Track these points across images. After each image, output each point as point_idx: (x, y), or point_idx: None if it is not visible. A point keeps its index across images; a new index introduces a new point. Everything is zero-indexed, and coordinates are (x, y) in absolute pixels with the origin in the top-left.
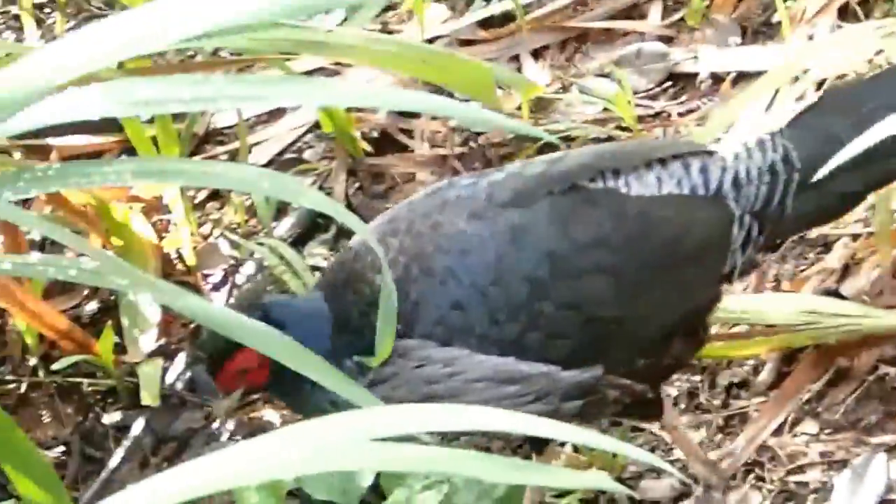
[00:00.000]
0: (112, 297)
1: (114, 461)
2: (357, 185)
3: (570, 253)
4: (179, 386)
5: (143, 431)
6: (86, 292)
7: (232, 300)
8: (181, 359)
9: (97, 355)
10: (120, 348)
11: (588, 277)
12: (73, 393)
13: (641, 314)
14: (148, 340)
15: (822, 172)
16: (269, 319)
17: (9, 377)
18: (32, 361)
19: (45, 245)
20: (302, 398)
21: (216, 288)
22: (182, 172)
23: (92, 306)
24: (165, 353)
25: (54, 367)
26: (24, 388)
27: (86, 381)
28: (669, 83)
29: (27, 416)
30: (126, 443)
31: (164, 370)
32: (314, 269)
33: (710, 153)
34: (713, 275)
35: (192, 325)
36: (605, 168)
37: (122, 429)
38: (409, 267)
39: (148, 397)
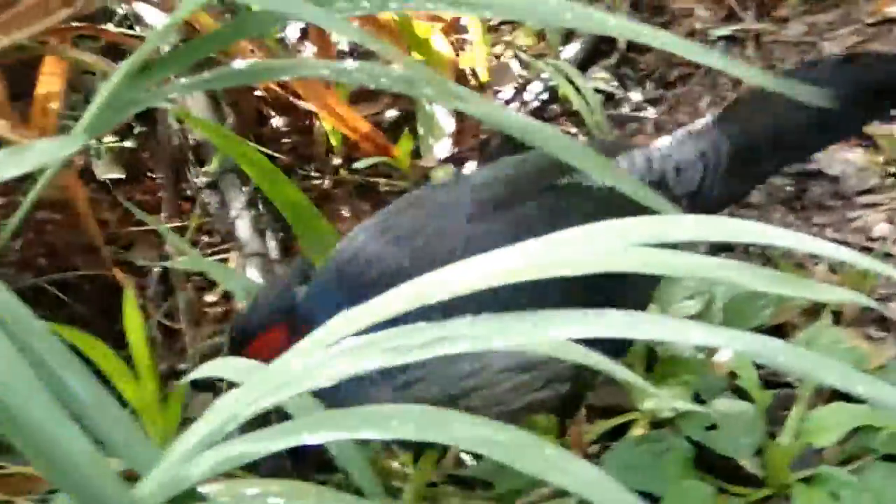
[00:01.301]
0: (410, 107)
1: None
2: (639, 17)
3: None
4: None
5: None
6: (387, 101)
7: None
8: (470, 166)
9: (395, 158)
10: (415, 154)
11: None
12: (371, 191)
13: (623, 294)
14: (441, 148)
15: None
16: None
17: (314, 174)
18: (336, 161)
19: (351, 56)
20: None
21: (506, 104)
22: (489, 5)
23: (392, 113)
24: (456, 160)
25: (356, 166)
26: (327, 184)
27: (382, 181)
28: None
29: (329, 210)
30: None
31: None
32: (596, 90)
33: (649, 146)
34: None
35: (481, 137)
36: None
37: None
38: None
39: None
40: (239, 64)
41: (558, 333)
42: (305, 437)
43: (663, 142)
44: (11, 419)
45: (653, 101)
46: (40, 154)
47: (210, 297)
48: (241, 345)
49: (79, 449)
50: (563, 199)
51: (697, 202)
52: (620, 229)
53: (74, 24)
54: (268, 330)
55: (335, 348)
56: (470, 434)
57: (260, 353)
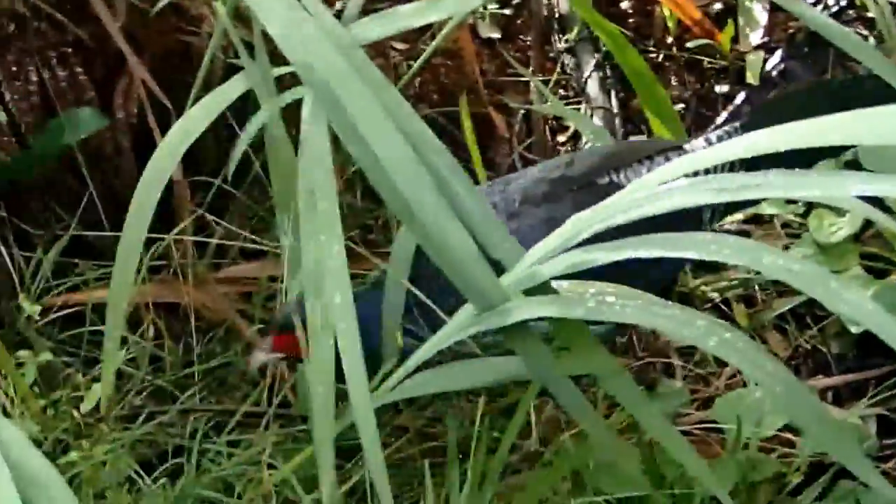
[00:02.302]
0: (733, 2)
1: (718, 120)
2: None
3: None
4: (774, 73)
5: (742, 102)
6: None
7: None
8: (777, 54)
9: (718, 42)
10: (734, 40)
11: None
12: (696, 67)
13: (648, 277)
14: (756, 36)
15: None
16: None
17: (651, 49)
18: (669, 40)
19: None
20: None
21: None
22: None
23: (718, 6)
24: (767, 48)
25: (687, 45)
26: (660, 59)
27: (706, 59)
28: None
29: (661, 79)
30: (729, 108)
31: (765, 60)
32: (889, 2)
33: (685, 148)
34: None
35: (789, 31)
36: (609, 167)
37: (728, 97)
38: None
39: (751, 77)
40: None
41: (849, 190)
42: (637, 251)
43: (699, 143)
44: (411, 214)
45: None
46: (452, 5)
47: (561, 138)
48: (275, 332)
49: (462, 242)
50: (595, 197)
51: None
52: None
53: None
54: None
55: (670, 185)
56: (774, 263)
57: (283, 345)
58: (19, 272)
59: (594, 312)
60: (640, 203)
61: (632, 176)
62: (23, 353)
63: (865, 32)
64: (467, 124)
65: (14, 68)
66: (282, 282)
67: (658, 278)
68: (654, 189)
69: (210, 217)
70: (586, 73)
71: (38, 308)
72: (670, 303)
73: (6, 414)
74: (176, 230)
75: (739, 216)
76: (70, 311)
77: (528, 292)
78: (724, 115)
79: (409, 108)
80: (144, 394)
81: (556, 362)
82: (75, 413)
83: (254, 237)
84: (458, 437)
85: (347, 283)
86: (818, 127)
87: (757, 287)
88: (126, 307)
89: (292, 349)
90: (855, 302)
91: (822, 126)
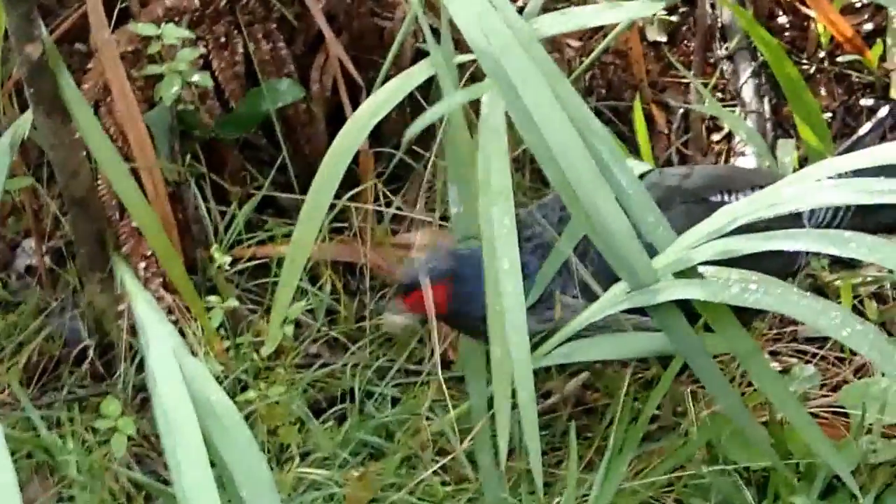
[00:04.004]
0: (883, 23)
1: (862, 131)
2: None
3: None
4: None
5: (887, 116)
6: (866, 16)
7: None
8: None
9: (866, 59)
10: (882, 58)
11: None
12: (845, 80)
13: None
14: None
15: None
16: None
17: (804, 62)
18: (822, 54)
19: None
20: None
21: None
22: None
23: (868, 26)
24: None
25: (838, 59)
26: (812, 70)
27: (854, 74)
28: None
29: (813, 90)
30: (872, 121)
31: None
32: None
33: None
34: (790, 269)
35: None
36: (721, 187)
37: (872, 110)
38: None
39: (895, 93)
40: None
41: None
42: (783, 244)
43: None
44: (573, 193)
45: None
46: (629, 10)
47: (715, 137)
48: (405, 293)
49: (618, 222)
50: (706, 212)
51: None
52: None
53: None
54: (430, 286)
55: (817, 184)
56: None
57: (417, 304)
58: (214, 224)
59: (738, 298)
60: (791, 198)
61: (742, 199)
62: (212, 299)
63: None
64: (639, 119)
65: (223, 39)
66: None
67: (781, 269)
68: (805, 186)
69: (388, 188)
70: (742, 80)
71: (228, 258)
72: (808, 293)
73: (193, 353)
74: (349, 194)
75: None
76: (257, 262)
77: (678, 275)
78: (867, 126)
79: (579, 98)
80: (319, 343)
81: (701, 341)
82: (255, 356)
83: (429, 208)
84: (601, 404)
85: (516, 250)
86: None
87: (888, 285)
88: (307, 263)
89: (421, 307)
90: None
91: None
